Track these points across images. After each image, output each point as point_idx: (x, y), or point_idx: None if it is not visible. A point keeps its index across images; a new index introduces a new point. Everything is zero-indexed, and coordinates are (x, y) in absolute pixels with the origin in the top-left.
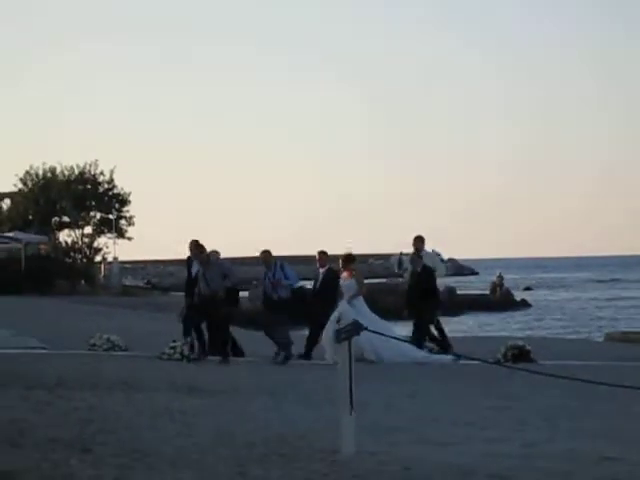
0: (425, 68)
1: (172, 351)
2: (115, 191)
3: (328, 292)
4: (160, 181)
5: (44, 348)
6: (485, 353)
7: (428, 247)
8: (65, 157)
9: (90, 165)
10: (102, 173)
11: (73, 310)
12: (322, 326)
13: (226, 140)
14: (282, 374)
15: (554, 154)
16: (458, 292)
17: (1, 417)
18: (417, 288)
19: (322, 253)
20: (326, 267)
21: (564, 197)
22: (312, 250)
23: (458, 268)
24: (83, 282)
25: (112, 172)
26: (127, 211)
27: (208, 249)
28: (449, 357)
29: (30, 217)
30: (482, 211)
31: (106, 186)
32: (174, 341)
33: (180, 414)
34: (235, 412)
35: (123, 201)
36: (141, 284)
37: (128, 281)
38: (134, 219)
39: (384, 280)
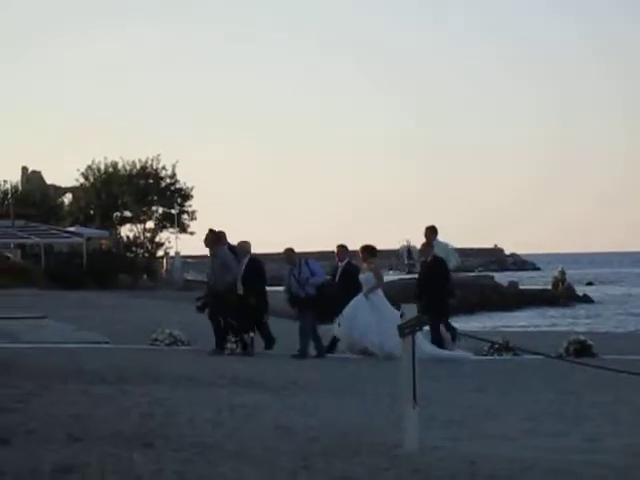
0: (456, 67)
1: (235, 346)
2: (177, 186)
3: (347, 286)
4: (223, 176)
5: (106, 342)
6: (547, 348)
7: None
8: (127, 152)
9: (152, 160)
10: (164, 168)
11: (135, 305)
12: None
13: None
14: (343, 369)
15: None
16: (520, 287)
17: (63, 412)
18: (427, 279)
19: (341, 247)
20: (345, 261)
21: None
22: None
23: (520, 263)
24: (145, 276)
25: (174, 167)
26: (189, 206)
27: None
28: (469, 353)
29: (92, 212)
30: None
31: (168, 181)
32: (236, 335)
33: (242, 409)
34: (297, 407)
35: (185, 196)
36: (203, 279)
37: (190, 275)
38: (196, 214)
39: None
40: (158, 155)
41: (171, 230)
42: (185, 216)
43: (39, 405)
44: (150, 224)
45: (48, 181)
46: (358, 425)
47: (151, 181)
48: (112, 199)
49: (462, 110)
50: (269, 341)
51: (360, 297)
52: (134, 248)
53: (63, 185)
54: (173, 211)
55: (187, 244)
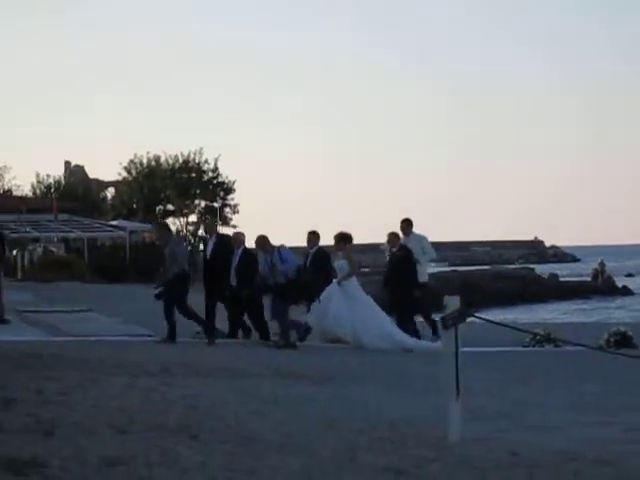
0: (489, 64)
1: (278, 338)
2: (220, 179)
3: (317, 272)
4: (265, 169)
5: (149, 335)
6: (587, 339)
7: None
8: (169, 145)
9: (195, 153)
10: (207, 161)
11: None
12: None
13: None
14: (387, 361)
15: None
16: (561, 279)
17: (108, 404)
18: (395, 269)
19: (311, 233)
20: (315, 247)
21: None
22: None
23: (560, 255)
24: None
25: (217, 160)
26: (232, 199)
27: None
28: (439, 344)
29: (134, 205)
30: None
31: (211, 174)
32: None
33: (287, 401)
34: (342, 399)
35: (228, 189)
36: None
37: None
38: (239, 207)
39: (487, 267)
40: (201, 149)
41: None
42: (227, 209)
43: (84, 397)
44: (193, 217)
45: (91, 175)
46: (403, 417)
47: (194, 175)
48: (155, 193)
49: (498, 99)
50: (263, 332)
51: (334, 285)
52: None
53: (106, 179)
54: (215, 204)
55: None
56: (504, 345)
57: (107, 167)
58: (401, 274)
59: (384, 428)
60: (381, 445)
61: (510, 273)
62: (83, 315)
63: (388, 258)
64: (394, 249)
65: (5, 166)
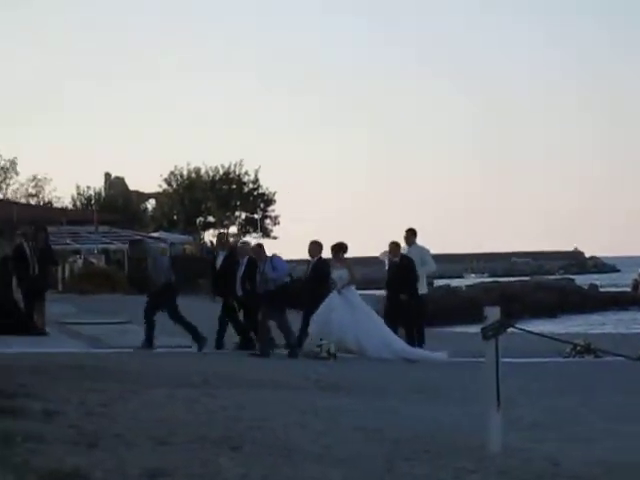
0: (521, 69)
1: (319, 349)
2: (260, 191)
3: (317, 282)
4: (306, 180)
5: (189, 347)
6: (628, 349)
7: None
8: (209, 157)
9: (235, 165)
10: (247, 173)
11: (218, 309)
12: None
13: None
14: (427, 372)
15: None
16: (600, 289)
17: (150, 415)
18: (396, 280)
19: (313, 243)
20: (317, 257)
21: None
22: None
23: (600, 266)
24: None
25: (257, 172)
26: (272, 210)
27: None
28: (444, 354)
29: (175, 217)
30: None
31: (251, 186)
32: (321, 339)
33: (326, 412)
34: (382, 410)
35: (268, 201)
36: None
37: None
38: (279, 218)
39: (527, 278)
40: (241, 160)
41: (254, 235)
42: (268, 221)
43: (125, 409)
44: (233, 229)
45: (131, 187)
46: (442, 427)
47: (234, 186)
48: (195, 204)
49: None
50: (267, 344)
51: (334, 294)
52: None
53: (146, 191)
54: (256, 216)
55: (270, 249)
56: (544, 356)
57: (147, 179)
58: (402, 284)
59: (422, 439)
60: (420, 456)
61: (550, 284)
62: (123, 327)
63: (388, 267)
64: (395, 259)
65: (45, 178)
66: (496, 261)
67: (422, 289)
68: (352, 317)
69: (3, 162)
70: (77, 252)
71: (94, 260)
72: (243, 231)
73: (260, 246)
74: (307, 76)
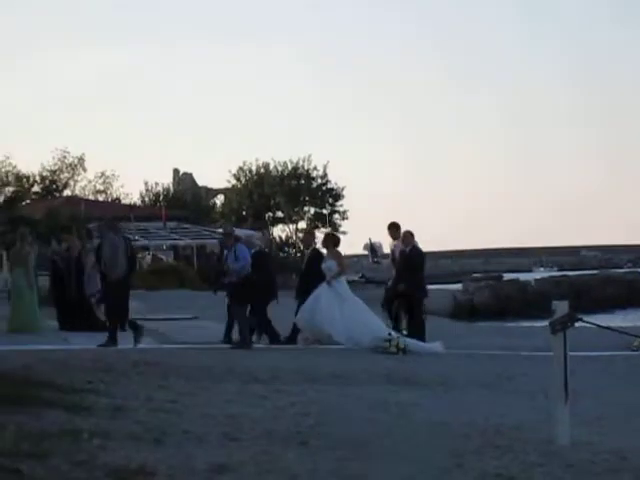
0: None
1: (387, 344)
2: (329, 186)
3: (312, 273)
4: (375, 175)
5: (258, 342)
6: None
7: None
8: (278, 153)
9: (303, 160)
10: (315, 168)
11: (285, 304)
12: None
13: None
14: (493, 365)
15: None
16: None
17: (218, 411)
18: (407, 270)
19: (307, 233)
20: (311, 248)
21: None
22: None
23: None
24: (294, 276)
25: (325, 167)
26: (341, 205)
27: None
28: (439, 344)
29: (244, 213)
30: None
31: (320, 181)
32: (390, 334)
33: (396, 406)
34: (450, 404)
35: (337, 196)
36: (355, 278)
37: (350, 276)
38: (348, 213)
39: (596, 271)
40: (309, 155)
41: (323, 230)
42: (337, 216)
43: (193, 405)
44: (302, 224)
45: (200, 183)
46: (510, 421)
47: (302, 181)
48: (264, 200)
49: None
50: (272, 336)
51: (323, 286)
52: (286, 248)
53: (215, 187)
54: (325, 211)
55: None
56: (612, 349)
57: (216, 174)
58: (407, 273)
59: (490, 433)
60: (488, 450)
61: (619, 277)
62: (192, 322)
63: (396, 256)
64: (407, 248)
65: (114, 174)
66: (565, 255)
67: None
68: (339, 308)
69: (71, 159)
70: (146, 248)
71: (162, 256)
72: (312, 226)
73: (229, 234)
74: (375, 73)
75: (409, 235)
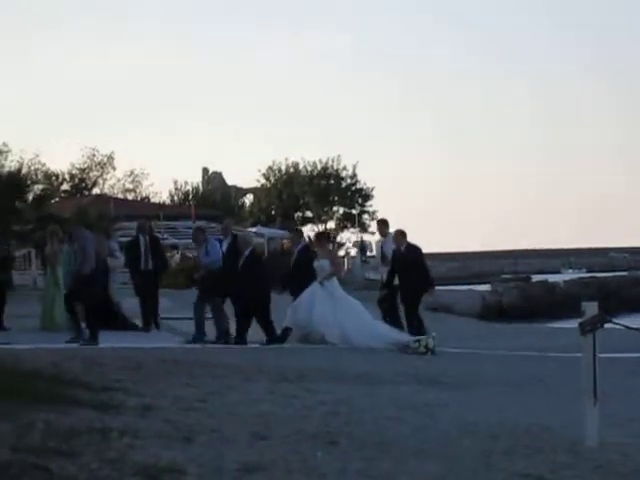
0: None
1: (417, 344)
2: (358, 186)
3: (302, 271)
4: (405, 175)
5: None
6: None
7: None
8: (308, 152)
9: (333, 160)
10: (345, 168)
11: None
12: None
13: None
14: (525, 365)
15: None
16: None
17: (247, 410)
18: (403, 268)
19: (295, 230)
20: (300, 245)
21: None
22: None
23: None
24: None
25: (355, 167)
26: (370, 206)
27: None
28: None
29: (273, 212)
30: None
31: (349, 181)
32: (419, 337)
33: (424, 406)
34: (479, 404)
35: (366, 196)
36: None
37: (372, 275)
38: (377, 214)
39: (625, 273)
40: (339, 156)
41: (352, 230)
42: (366, 216)
43: (222, 404)
44: (331, 224)
45: (229, 182)
46: (539, 422)
47: (332, 181)
48: (293, 200)
49: None
50: (270, 334)
51: (315, 285)
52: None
53: (244, 186)
54: (354, 211)
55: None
56: None
57: (245, 174)
58: (412, 271)
59: (519, 433)
60: (516, 450)
61: None
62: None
63: (390, 256)
64: (402, 247)
65: (143, 173)
66: (594, 256)
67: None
68: (333, 308)
69: (100, 157)
70: (174, 247)
71: (191, 255)
72: (341, 226)
73: (200, 230)
74: (408, 73)
75: (400, 235)
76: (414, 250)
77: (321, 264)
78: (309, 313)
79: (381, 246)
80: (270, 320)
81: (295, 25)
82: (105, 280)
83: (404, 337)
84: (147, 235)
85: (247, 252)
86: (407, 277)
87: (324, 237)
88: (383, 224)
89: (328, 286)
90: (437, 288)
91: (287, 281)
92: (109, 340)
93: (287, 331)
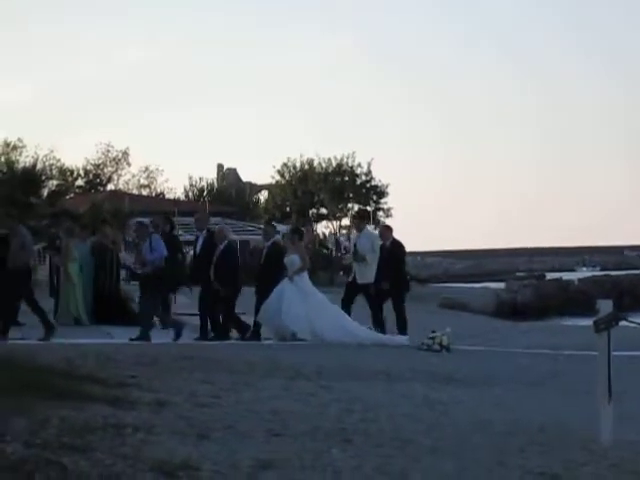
0: None
1: (431, 341)
2: (373, 183)
3: (271, 267)
4: (419, 173)
5: (304, 340)
6: None
7: None
8: (322, 149)
9: (347, 157)
10: (360, 165)
11: (332, 302)
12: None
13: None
14: (537, 363)
15: None
16: None
17: (262, 407)
18: (389, 262)
19: (267, 224)
20: (271, 241)
21: None
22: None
23: None
24: (341, 273)
25: (369, 164)
26: (385, 203)
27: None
28: (405, 338)
29: (287, 209)
30: None
31: (364, 178)
32: (433, 331)
33: (438, 404)
34: (494, 402)
35: (381, 193)
36: None
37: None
38: (392, 211)
39: (639, 271)
40: (353, 152)
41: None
42: (381, 213)
43: (237, 400)
44: (346, 221)
45: (244, 178)
46: (554, 419)
47: (347, 178)
48: (308, 196)
49: None
50: (243, 329)
51: (285, 281)
52: (329, 245)
53: (259, 182)
54: (369, 208)
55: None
56: None
57: (260, 170)
58: (389, 269)
59: (534, 430)
60: (531, 448)
61: None
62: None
63: (380, 252)
64: (387, 242)
65: (157, 169)
66: (608, 254)
67: (369, 278)
68: (303, 304)
69: (115, 153)
70: (189, 243)
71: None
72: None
73: (143, 225)
74: (421, 71)
75: (386, 230)
76: (398, 246)
77: (291, 259)
78: (279, 310)
79: (354, 241)
80: (232, 315)
81: (316, 25)
82: (117, 273)
83: (376, 336)
84: (159, 233)
85: (222, 246)
86: (389, 273)
87: (297, 232)
88: (359, 218)
89: (298, 281)
90: (452, 285)
91: (256, 277)
92: (123, 335)
93: (249, 328)
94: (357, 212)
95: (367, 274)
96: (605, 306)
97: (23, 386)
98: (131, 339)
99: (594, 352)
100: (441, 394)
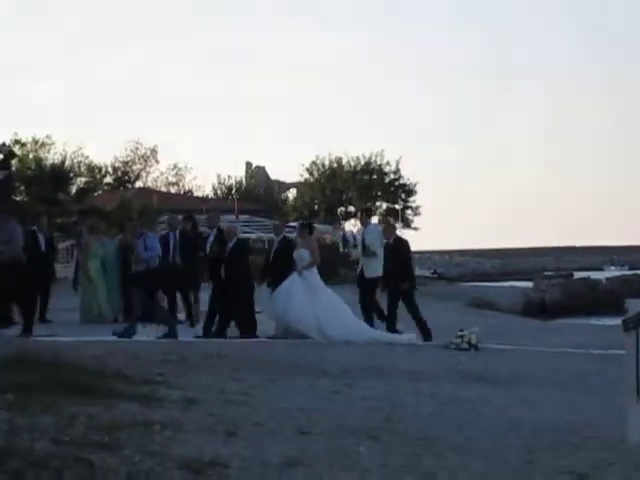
0: None
1: (460, 340)
2: (401, 181)
3: (281, 262)
4: (445, 172)
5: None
6: None
7: None
8: (351, 147)
9: (376, 155)
10: (388, 163)
11: (356, 300)
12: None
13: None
14: (565, 362)
15: None
16: None
17: (290, 404)
18: (393, 260)
19: (279, 220)
20: (281, 236)
21: None
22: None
23: None
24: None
25: (398, 162)
26: (413, 201)
27: None
28: (412, 336)
29: (316, 207)
30: None
31: (392, 176)
32: (461, 330)
33: (467, 402)
34: (522, 400)
35: (409, 191)
36: (427, 274)
37: (415, 271)
38: (420, 209)
39: None
40: (382, 151)
41: (395, 225)
42: (409, 211)
43: (265, 398)
44: (374, 219)
45: (272, 176)
46: (582, 419)
47: (375, 177)
48: (336, 194)
49: None
50: (250, 326)
51: (294, 275)
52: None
53: (287, 180)
54: (397, 206)
55: (411, 239)
56: None
57: (289, 168)
58: (401, 264)
59: (562, 430)
60: (559, 447)
61: None
62: (258, 317)
63: (384, 250)
64: (390, 240)
65: (186, 167)
66: (637, 253)
67: (379, 271)
68: (312, 300)
69: (144, 150)
70: None
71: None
72: (384, 221)
73: (133, 223)
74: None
75: (390, 227)
76: (401, 243)
77: (301, 254)
78: (285, 306)
79: (362, 236)
80: (249, 312)
81: (339, 22)
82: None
83: (384, 335)
84: (177, 231)
85: (232, 243)
86: (392, 269)
87: (307, 227)
88: (365, 214)
89: (307, 276)
90: (480, 284)
91: (266, 271)
92: (150, 333)
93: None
94: (364, 208)
95: (376, 268)
96: (634, 305)
97: (51, 383)
98: (158, 337)
99: (622, 351)
100: (469, 393)
